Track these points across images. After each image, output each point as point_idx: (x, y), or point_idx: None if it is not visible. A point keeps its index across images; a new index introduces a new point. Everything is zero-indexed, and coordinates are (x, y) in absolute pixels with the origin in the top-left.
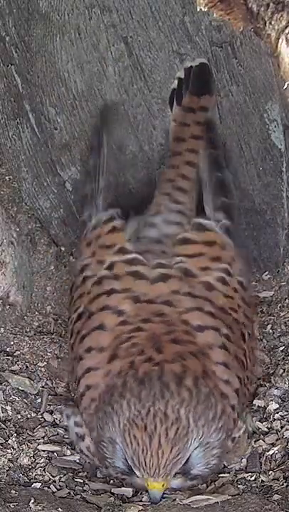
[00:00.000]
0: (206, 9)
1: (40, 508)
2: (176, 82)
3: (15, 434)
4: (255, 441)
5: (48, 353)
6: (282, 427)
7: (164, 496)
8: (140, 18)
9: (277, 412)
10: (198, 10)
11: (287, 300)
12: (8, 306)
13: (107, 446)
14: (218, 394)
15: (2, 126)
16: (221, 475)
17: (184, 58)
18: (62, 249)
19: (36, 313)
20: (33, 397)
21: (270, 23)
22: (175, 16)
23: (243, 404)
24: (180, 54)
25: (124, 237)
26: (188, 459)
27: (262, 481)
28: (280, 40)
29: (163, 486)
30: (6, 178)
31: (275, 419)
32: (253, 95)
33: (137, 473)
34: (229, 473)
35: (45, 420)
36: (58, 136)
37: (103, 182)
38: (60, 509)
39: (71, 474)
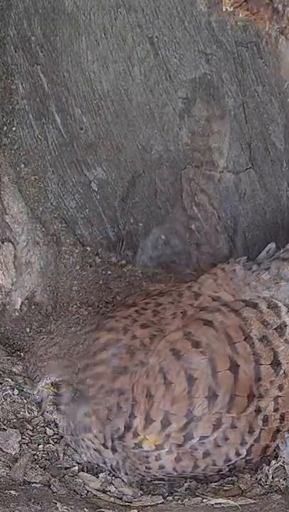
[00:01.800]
0: (231, 9)
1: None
2: None
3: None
4: None
5: None
6: None
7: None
8: (166, 18)
9: None
10: (223, 10)
11: None
12: (33, 306)
13: None
14: None
15: (28, 127)
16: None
17: (210, 58)
18: (88, 249)
19: (62, 313)
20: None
21: None
22: (201, 15)
23: None
24: (206, 54)
25: None
26: None
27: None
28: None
29: None
30: (32, 178)
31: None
32: (278, 95)
33: None
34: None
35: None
36: (84, 136)
37: None
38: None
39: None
